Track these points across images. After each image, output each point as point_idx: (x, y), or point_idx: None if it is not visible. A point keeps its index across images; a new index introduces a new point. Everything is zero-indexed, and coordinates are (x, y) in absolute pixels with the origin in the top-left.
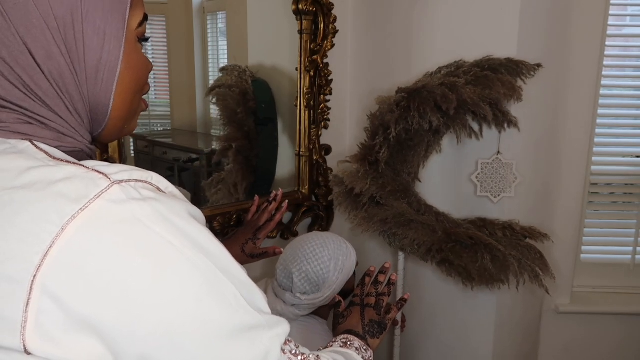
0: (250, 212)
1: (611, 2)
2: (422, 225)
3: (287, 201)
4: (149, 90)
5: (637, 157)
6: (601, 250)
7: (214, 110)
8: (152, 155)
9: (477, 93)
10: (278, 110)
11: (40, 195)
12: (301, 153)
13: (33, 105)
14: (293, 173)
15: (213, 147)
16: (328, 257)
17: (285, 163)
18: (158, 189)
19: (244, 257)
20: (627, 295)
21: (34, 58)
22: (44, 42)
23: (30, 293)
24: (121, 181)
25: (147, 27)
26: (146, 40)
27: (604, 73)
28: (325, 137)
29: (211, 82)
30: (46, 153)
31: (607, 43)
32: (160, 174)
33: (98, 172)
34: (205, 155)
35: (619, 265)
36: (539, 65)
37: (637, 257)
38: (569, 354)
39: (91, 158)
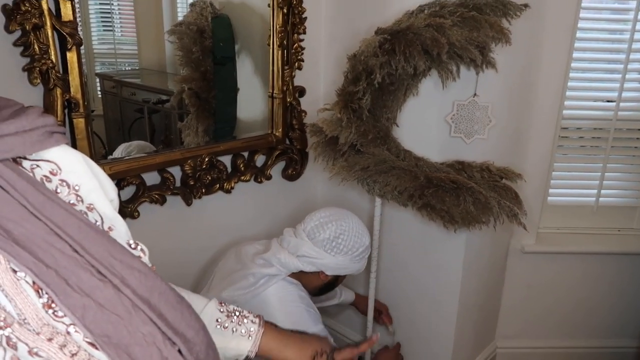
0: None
1: None
2: (403, 172)
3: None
4: None
5: (608, 101)
6: (567, 192)
7: None
8: (120, 97)
9: (465, 35)
10: (249, 49)
11: None
12: (274, 95)
13: None
14: (266, 115)
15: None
16: (363, 245)
17: (258, 105)
18: None
19: None
20: (589, 236)
21: None
22: None
23: None
24: None
25: None
26: None
27: (580, 15)
28: (299, 79)
29: (180, 18)
30: None
31: None
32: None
33: None
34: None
35: (583, 207)
36: (525, 6)
37: (600, 199)
38: (531, 290)
39: None
